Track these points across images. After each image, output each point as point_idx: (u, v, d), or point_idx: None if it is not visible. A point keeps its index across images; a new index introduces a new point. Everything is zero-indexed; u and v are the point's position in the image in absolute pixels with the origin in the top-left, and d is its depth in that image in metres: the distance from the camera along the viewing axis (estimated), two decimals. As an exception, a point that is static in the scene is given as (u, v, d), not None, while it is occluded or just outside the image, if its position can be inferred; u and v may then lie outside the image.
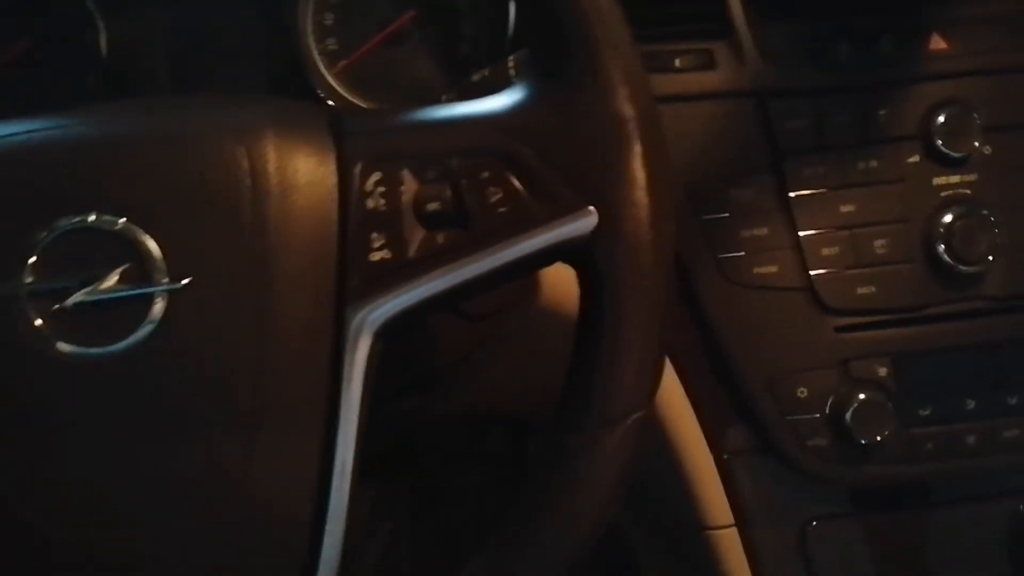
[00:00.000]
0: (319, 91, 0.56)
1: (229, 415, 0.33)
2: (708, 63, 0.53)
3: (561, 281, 0.52)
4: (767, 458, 0.55)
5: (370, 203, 0.34)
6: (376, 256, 0.34)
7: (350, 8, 0.57)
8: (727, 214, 0.53)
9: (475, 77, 0.53)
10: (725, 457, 0.55)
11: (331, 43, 0.57)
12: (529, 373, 0.53)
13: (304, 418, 0.34)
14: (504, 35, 0.54)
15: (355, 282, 0.34)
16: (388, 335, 0.35)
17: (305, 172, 0.34)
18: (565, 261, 0.36)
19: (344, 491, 0.34)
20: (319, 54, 0.57)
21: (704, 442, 0.56)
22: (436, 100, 0.51)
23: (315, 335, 0.34)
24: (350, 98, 0.57)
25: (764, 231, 0.53)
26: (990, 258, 0.52)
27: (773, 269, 0.53)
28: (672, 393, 0.55)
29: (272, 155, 0.34)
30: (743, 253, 0.53)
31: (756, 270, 0.53)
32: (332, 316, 0.34)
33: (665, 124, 0.53)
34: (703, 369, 0.55)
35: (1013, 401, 0.54)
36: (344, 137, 0.35)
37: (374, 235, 0.34)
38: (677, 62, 0.53)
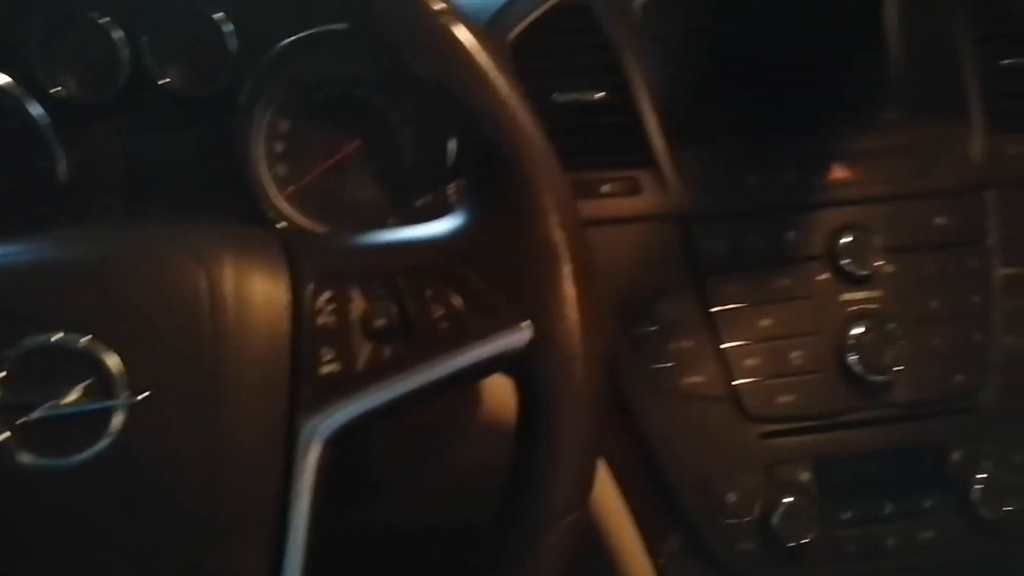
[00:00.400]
0: (269, 214, 0.60)
1: (183, 524, 0.35)
2: (633, 189, 0.58)
3: (499, 393, 0.55)
4: (701, 561, 0.57)
5: (321, 320, 0.37)
6: (326, 369, 0.37)
7: (299, 137, 0.61)
8: (655, 328, 0.57)
9: (418, 203, 0.57)
10: (661, 560, 0.57)
11: (281, 169, 0.61)
12: (468, 483, 0.55)
13: (255, 526, 0.36)
14: (443, 164, 0.59)
15: (307, 393, 0.37)
16: (337, 444, 0.37)
17: (260, 292, 0.37)
18: (503, 372, 0.39)
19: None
20: (270, 180, 0.61)
21: (641, 545, 0.57)
22: (380, 224, 0.55)
23: (267, 444, 0.36)
24: (299, 221, 0.60)
25: (690, 344, 0.57)
26: (896, 368, 0.57)
27: (700, 379, 0.56)
28: (609, 498, 0.57)
29: (229, 276, 0.37)
30: (671, 364, 0.56)
31: (684, 380, 0.56)
32: (284, 426, 0.36)
33: (596, 246, 0.57)
34: (638, 475, 0.57)
35: (927, 504, 0.57)
36: (297, 259, 0.38)
37: (325, 349, 0.37)
38: (605, 188, 0.58)
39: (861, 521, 0.56)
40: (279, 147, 0.61)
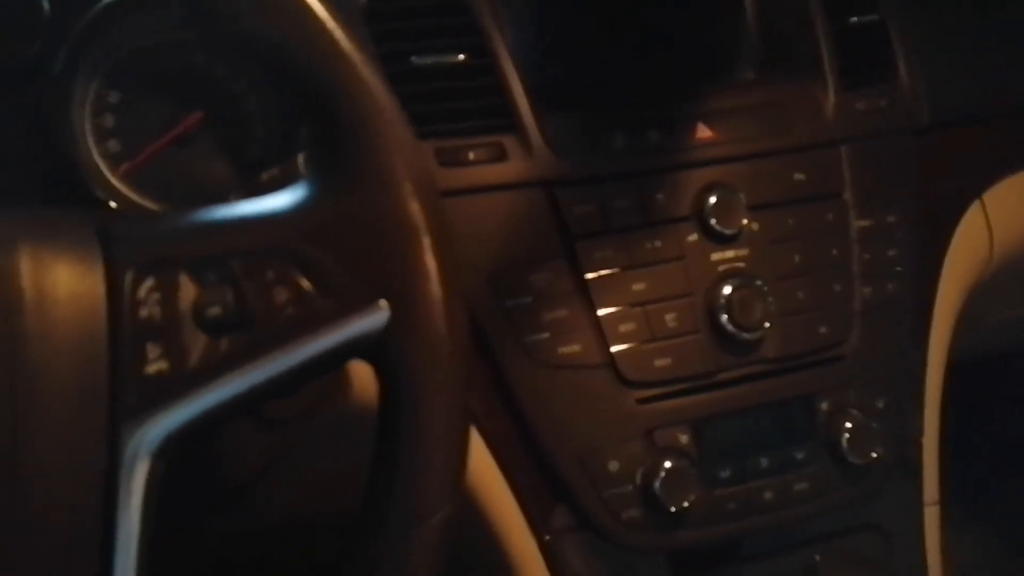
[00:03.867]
0: (101, 195, 0.52)
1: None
2: (499, 155, 0.53)
3: (368, 379, 0.49)
4: (587, 535, 0.54)
5: (143, 312, 0.31)
6: (153, 368, 0.30)
7: (132, 109, 0.53)
8: (529, 299, 0.53)
9: (264, 176, 0.51)
10: (547, 538, 0.54)
11: (112, 145, 0.53)
12: (346, 473, 0.50)
13: (74, 556, 0.29)
14: (297, 135, 0.53)
15: (131, 398, 0.30)
16: (171, 453, 0.31)
17: (67, 284, 0.30)
18: (360, 358, 0.34)
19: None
20: (100, 157, 0.52)
21: (526, 525, 0.54)
22: (225, 201, 0.49)
23: (84, 463, 0.29)
24: (137, 201, 0.53)
25: (565, 313, 0.53)
26: (766, 324, 0.55)
27: (576, 348, 0.53)
28: (490, 479, 0.53)
29: (27, 267, 0.30)
30: (547, 335, 0.53)
31: (560, 351, 0.53)
32: (104, 440, 0.30)
33: (464, 217, 0.54)
34: (518, 452, 0.53)
35: (800, 456, 0.56)
36: (113, 243, 0.31)
37: (150, 346, 0.31)
38: (471, 155, 0.53)
39: (739, 478, 0.55)
40: (108, 120, 0.53)
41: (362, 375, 0.51)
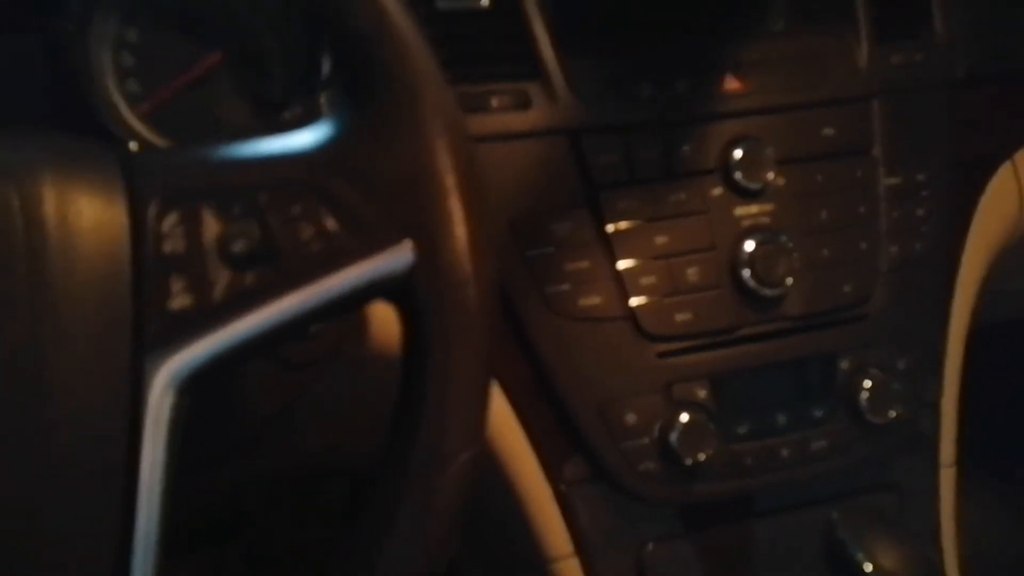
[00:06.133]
0: (119, 135, 0.51)
1: (12, 492, 0.28)
2: (523, 102, 0.53)
3: (387, 321, 0.49)
4: (602, 485, 0.54)
5: (167, 245, 0.30)
6: (177, 302, 0.30)
7: (151, 48, 0.52)
8: (551, 249, 0.52)
9: (286, 115, 0.50)
10: (563, 488, 0.54)
11: (132, 84, 0.52)
12: (362, 420, 0.50)
13: (98, 490, 0.29)
14: (317, 75, 0.52)
15: (155, 332, 0.30)
16: (195, 388, 0.31)
17: (90, 214, 0.30)
18: (384, 298, 0.33)
19: (149, 567, 0.30)
20: (119, 96, 0.52)
21: (542, 474, 0.54)
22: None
23: (108, 394, 0.29)
24: (156, 142, 0.52)
25: (586, 264, 0.53)
26: (789, 281, 0.54)
27: (597, 300, 0.53)
28: (508, 427, 0.53)
29: (50, 196, 0.29)
30: (567, 286, 0.52)
31: (581, 302, 0.52)
32: (128, 372, 0.30)
33: (486, 163, 0.53)
34: (536, 401, 0.53)
35: (819, 414, 0.56)
36: (136, 174, 0.31)
37: (174, 279, 0.30)
38: (493, 102, 0.53)
39: (757, 434, 0.55)
40: (128, 59, 0.52)
41: (380, 318, 0.51)
